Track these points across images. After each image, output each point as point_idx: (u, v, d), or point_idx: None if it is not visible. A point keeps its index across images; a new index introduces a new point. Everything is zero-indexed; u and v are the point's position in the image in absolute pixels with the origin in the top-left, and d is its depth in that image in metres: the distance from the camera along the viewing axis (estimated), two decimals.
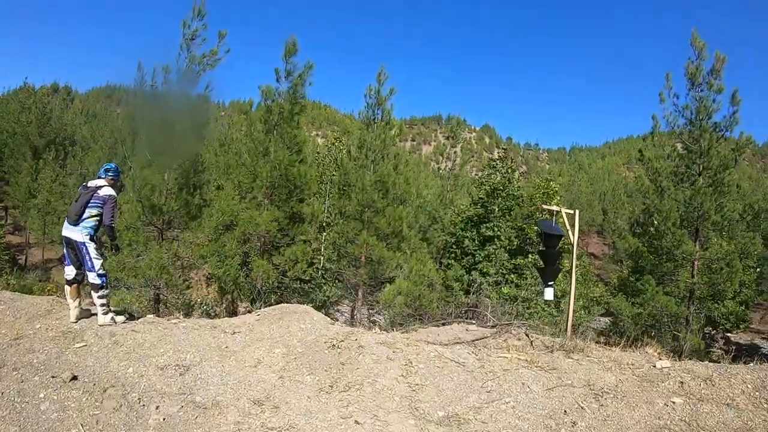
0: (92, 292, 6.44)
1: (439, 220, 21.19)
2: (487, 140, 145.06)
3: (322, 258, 17.20)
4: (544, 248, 9.06)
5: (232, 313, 20.24)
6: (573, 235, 8.84)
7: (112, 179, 6.71)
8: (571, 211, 9.14)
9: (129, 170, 13.74)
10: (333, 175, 19.02)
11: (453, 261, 19.74)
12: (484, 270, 19.09)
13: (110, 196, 6.45)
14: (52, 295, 10.84)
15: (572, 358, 5.74)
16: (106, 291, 6.49)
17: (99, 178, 6.71)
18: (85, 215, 6.37)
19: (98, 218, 6.45)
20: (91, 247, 6.37)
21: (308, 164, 16.57)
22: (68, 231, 6.41)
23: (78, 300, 6.61)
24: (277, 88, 15.79)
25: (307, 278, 16.56)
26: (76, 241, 6.36)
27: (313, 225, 16.13)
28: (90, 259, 6.36)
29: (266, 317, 7.03)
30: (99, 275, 6.39)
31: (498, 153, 21.69)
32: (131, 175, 13.13)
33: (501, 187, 19.91)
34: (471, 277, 18.45)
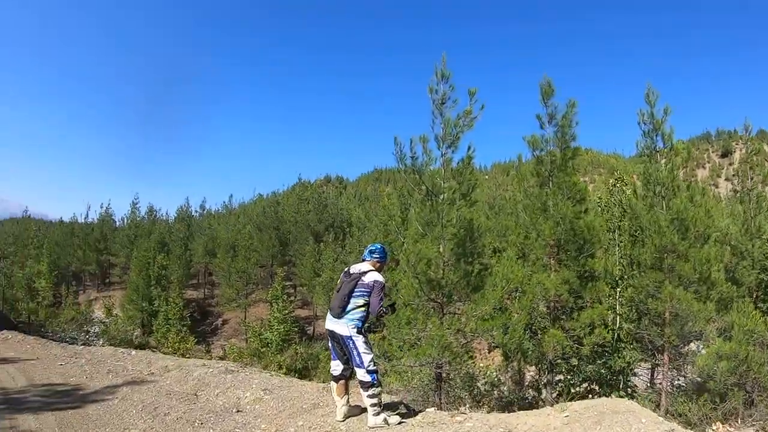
0: (361, 390, 6.30)
1: (747, 255, 18.81)
2: (766, 148, 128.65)
3: (618, 318, 16.33)
4: None
5: (518, 383, 20.28)
6: None
7: (378, 261, 6.60)
8: None
9: (402, 246, 14.62)
10: (620, 221, 18.20)
11: (748, 302, 17.28)
12: None
13: (377, 282, 6.31)
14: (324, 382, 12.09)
15: None
16: (377, 389, 6.30)
17: (363, 261, 6.65)
18: (350, 306, 6.26)
19: (365, 308, 6.30)
20: (359, 341, 6.24)
21: (593, 214, 16.06)
22: (332, 324, 6.39)
23: (346, 397, 6.63)
24: (542, 135, 16.34)
25: (605, 343, 15.75)
26: (341, 335, 6.28)
27: (607, 282, 15.47)
28: (358, 353, 6.20)
29: (578, 419, 6.16)
30: (369, 371, 6.18)
31: None
32: (404, 249, 13.98)
33: None
34: None
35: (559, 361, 16.43)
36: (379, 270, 6.53)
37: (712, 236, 16.62)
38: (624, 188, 21.83)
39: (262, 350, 28.67)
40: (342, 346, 6.35)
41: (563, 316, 16.33)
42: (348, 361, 6.42)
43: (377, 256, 6.59)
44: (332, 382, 6.71)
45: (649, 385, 19.61)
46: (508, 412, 7.56)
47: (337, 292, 6.36)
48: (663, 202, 16.53)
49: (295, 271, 46.70)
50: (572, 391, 19.41)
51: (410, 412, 7.10)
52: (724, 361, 13.12)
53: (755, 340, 14.09)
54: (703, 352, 15.59)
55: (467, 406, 15.89)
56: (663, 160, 16.44)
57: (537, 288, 14.87)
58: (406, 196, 15.49)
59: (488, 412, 11.48)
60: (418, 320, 13.97)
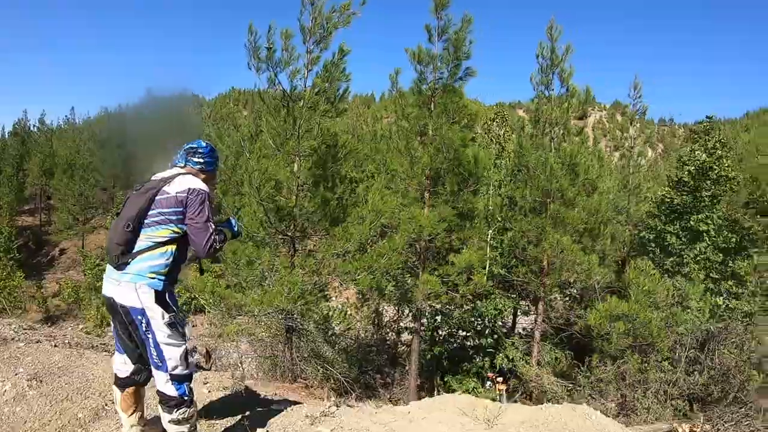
0: (161, 408, 3.48)
1: (624, 211, 17.74)
2: (619, 118, 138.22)
3: (488, 264, 14.41)
4: None
5: (377, 324, 18.10)
6: None
7: (202, 170, 3.71)
8: None
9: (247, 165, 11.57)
10: (496, 159, 16.11)
11: (641, 261, 16.31)
12: (693, 275, 15.57)
13: (193, 191, 3.39)
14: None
15: None
16: (189, 410, 3.46)
17: (175, 165, 3.70)
18: (141, 245, 3.31)
19: (173, 248, 3.39)
20: (158, 318, 3.32)
21: (479, 144, 13.74)
22: (110, 285, 3.37)
23: (135, 414, 3.67)
24: (429, 50, 13.32)
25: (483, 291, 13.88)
26: (126, 307, 3.31)
27: (490, 224, 13.41)
28: (156, 344, 3.34)
29: None
30: (174, 378, 3.39)
31: (702, 124, 17.55)
32: (248, 167, 10.80)
33: (710, 168, 16.18)
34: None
35: (425, 306, 14.43)
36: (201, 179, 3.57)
37: (600, 186, 15.14)
38: (504, 125, 20.15)
39: (99, 285, 24.85)
40: (129, 328, 3.37)
41: (441, 260, 14.29)
42: (141, 355, 3.49)
43: (200, 159, 3.66)
44: (115, 389, 3.66)
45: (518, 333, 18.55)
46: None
47: (117, 216, 3.39)
48: (552, 144, 14.71)
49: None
50: (437, 335, 17.80)
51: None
52: (621, 323, 11.52)
53: (652, 302, 12.61)
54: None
55: (332, 398, 13.36)
56: (558, 99, 14.68)
57: (410, 225, 12.42)
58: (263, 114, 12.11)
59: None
60: (262, 258, 10.89)
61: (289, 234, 11.37)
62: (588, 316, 12.50)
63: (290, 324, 11.88)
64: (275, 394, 7.71)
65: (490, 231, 15.73)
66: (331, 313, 18.30)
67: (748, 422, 5.67)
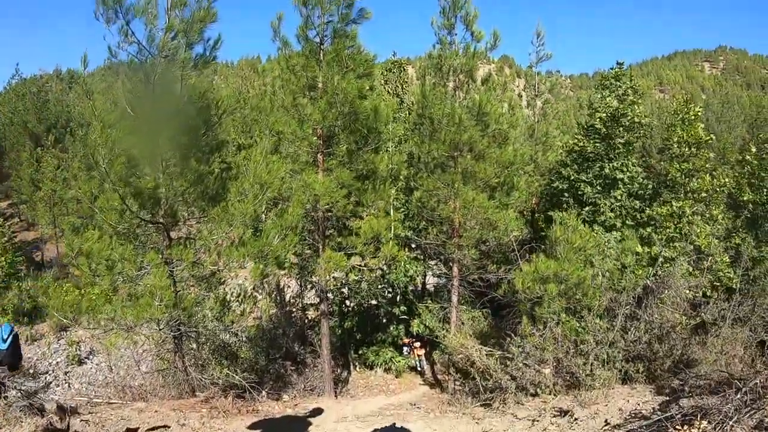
0: None
1: (531, 161, 16.74)
2: (507, 71, 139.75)
3: (393, 228, 12.88)
4: None
5: (279, 303, 16.21)
6: None
7: None
8: None
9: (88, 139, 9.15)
10: (396, 112, 14.35)
11: (562, 214, 15.46)
12: (609, 223, 15.08)
13: None
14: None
15: None
16: None
17: None
18: None
19: None
20: None
21: (377, 96, 11.94)
22: None
23: None
24: None
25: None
26: None
27: (394, 183, 11.85)
28: None
29: None
30: None
31: (613, 71, 16.57)
32: (89, 143, 8.46)
33: (622, 114, 15.35)
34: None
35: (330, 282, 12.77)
36: None
37: (512, 136, 13.87)
38: (402, 76, 18.46)
39: None
40: None
41: (342, 230, 12.56)
42: None
43: None
44: None
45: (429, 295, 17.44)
46: None
47: None
48: (458, 93, 13.22)
49: (14, 185, 36.68)
50: (346, 307, 16.29)
51: None
52: (552, 284, 10.28)
53: (584, 259, 11.48)
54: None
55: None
56: (461, 45, 13.12)
57: (304, 195, 10.57)
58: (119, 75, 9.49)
59: None
60: (126, 258, 8.56)
61: (160, 221, 9.20)
62: (513, 278, 11.25)
63: (178, 332, 9.90)
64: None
65: (393, 191, 14.20)
66: (228, 298, 16.31)
67: (751, 413, 4.66)
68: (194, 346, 12.13)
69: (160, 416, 9.10)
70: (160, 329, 9.02)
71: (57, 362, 17.75)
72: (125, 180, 8.12)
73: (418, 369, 15.86)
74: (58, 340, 18.58)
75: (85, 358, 17.42)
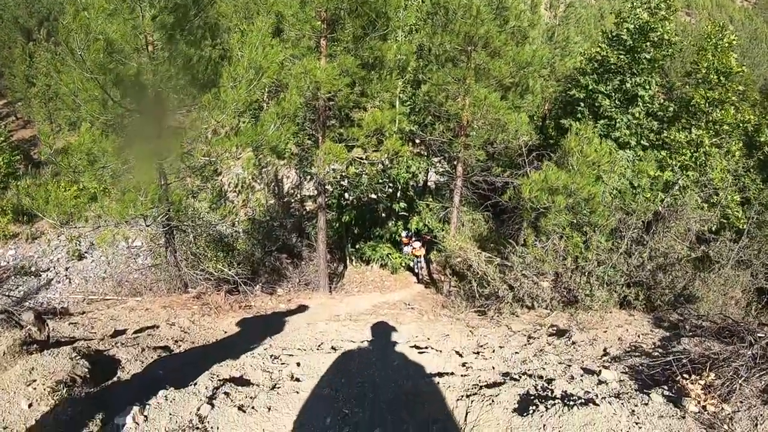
0: None
1: (548, 65, 15.64)
2: None
3: (398, 121, 12.13)
4: None
5: (277, 193, 15.77)
6: None
7: None
8: None
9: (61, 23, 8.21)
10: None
11: (576, 124, 14.59)
12: (624, 140, 14.41)
13: None
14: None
15: None
16: None
17: None
18: None
19: None
20: None
21: None
22: None
23: None
24: None
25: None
26: None
27: (402, 74, 11.02)
28: None
29: None
30: None
31: None
32: (62, 28, 7.60)
33: (651, 29, 14.04)
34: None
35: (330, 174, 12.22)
36: None
37: (531, 36, 12.75)
38: None
39: None
40: None
41: (344, 121, 11.84)
42: None
43: None
44: None
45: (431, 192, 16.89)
46: None
47: None
48: None
49: (8, 84, 35.01)
50: (345, 200, 15.82)
51: None
52: (560, 196, 9.66)
53: (596, 174, 10.79)
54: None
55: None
56: None
57: (304, 81, 9.63)
58: None
59: None
60: (107, 151, 7.82)
61: (148, 111, 8.47)
62: (520, 184, 10.64)
63: (169, 225, 9.43)
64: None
65: (400, 83, 13.25)
66: (225, 188, 15.86)
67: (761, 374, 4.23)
68: (189, 239, 11.80)
69: (150, 315, 8.85)
70: (147, 225, 8.53)
71: (58, 259, 17.60)
72: (104, 67, 7.29)
73: (416, 270, 15.57)
74: (58, 236, 18.32)
75: (85, 252, 17.22)
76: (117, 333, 7.48)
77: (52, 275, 16.73)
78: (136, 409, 4.29)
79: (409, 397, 4.68)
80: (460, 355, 6.08)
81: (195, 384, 4.79)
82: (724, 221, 13.30)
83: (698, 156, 14.06)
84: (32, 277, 16.75)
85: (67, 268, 16.97)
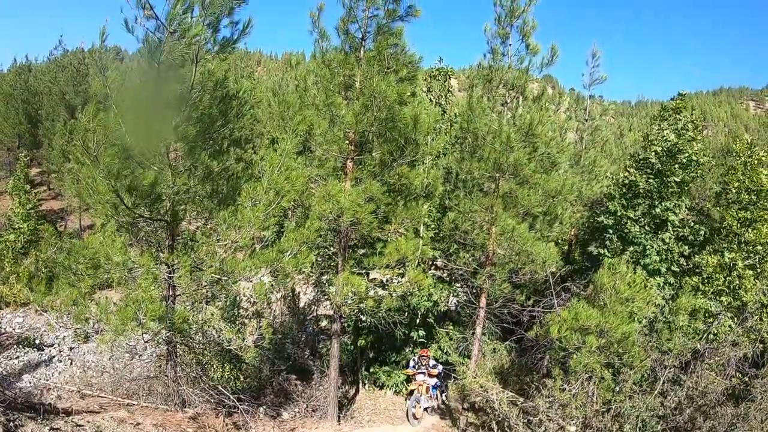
0: None
1: (576, 191, 15.02)
2: (550, 91, 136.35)
3: (421, 246, 11.32)
4: None
5: (293, 310, 14.77)
6: None
7: None
8: None
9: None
10: (437, 122, 12.69)
11: (607, 256, 13.66)
12: (654, 267, 13.33)
13: None
14: None
15: None
16: None
17: None
18: None
19: None
20: None
21: (419, 103, 10.44)
22: None
23: None
24: None
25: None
26: None
27: (428, 198, 10.51)
28: None
29: None
30: None
31: (674, 101, 14.69)
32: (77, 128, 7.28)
33: (678, 150, 13.52)
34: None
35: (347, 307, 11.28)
36: None
37: (562, 162, 12.23)
38: (447, 84, 16.75)
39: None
40: None
41: (365, 251, 11.16)
42: None
43: None
44: None
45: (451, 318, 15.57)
46: None
47: None
48: (506, 109, 11.66)
49: (46, 155, 35.75)
50: (361, 323, 14.41)
51: None
52: (591, 336, 8.67)
53: (630, 312, 9.66)
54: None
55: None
56: (514, 57, 11.56)
57: (326, 206, 9.04)
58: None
59: None
60: (111, 259, 7.29)
61: (164, 219, 7.93)
62: (548, 321, 9.66)
63: (170, 347, 8.65)
64: None
65: (425, 208, 12.62)
66: (239, 297, 15.00)
67: None
68: (195, 352, 10.93)
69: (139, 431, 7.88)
70: (145, 342, 7.72)
71: (64, 337, 16.95)
72: (119, 173, 6.79)
73: (410, 410, 12.45)
74: (69, 314, 17.73)
75: (93, 334, 16.53)
76: None
77: (55, 353, 15.99)
78: None
79: None
80: None
81: None
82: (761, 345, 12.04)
83: (731, 279, 12.93)
84: (35, 350, 15.99)
85: (71, 348, 16.25)
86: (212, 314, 10.49)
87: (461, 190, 11.76)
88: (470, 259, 12.10)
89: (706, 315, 12.22)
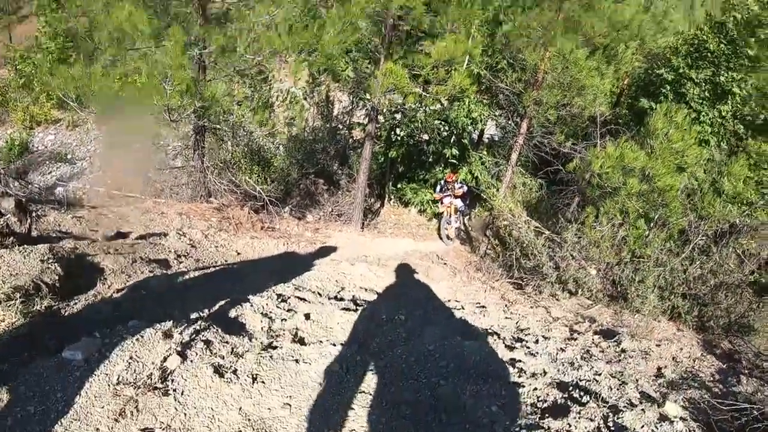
0: None
1: (638, 38, 13.61)
2: None
3: (467, 60, 10.37)
4: None
5: (326, 116, 14.34)
6: None
7: None
8: None
9: None
10: None
11: (652, 104, 12.69)
12: (704, 137, 12.40)
13: None
14: None
15: None
16: None
17: None
18: None
19: None
20: None
21: None
22: None
23: None
24: None
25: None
26: None
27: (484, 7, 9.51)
28: None
29: None
30: None
31: None
32: None
33: (759, 23, 11.90)
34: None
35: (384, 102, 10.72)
36: None
37: None
38: None
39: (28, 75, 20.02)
40: None
41: (406, 41, 10.29)
42: None
43: None
44: None
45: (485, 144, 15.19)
46: None
47: None
48: None
49: None
50: (395, 134, 14.06)
51: None
52: (634, 179, 8.08)
53: (678, 164, 8.87)
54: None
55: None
56: None
57: None
58: None
59: None
60: (138, 29, 6.55)
61: None
62: (589, 156, 9.03)
63: (200, 123, 8.22)
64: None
65: (481, 12, 11.41)
66: (274, 100, 14.48)
67: None
68: (225, 146, 10.63)
69: (162, 220, 7.74)
70: (171, 120, 7.28)
71: (95, 149, 17.03)
72: None
73: (443, 231, 12.69)
74: (100, 126, 17.49)
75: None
76: (118, 235, 6.41)
77: (86, 165, 16.13)
78: (91, 342, 3.18)
79: (447, 404, 3.38)
80: (504, 343, 4.76)
81: (171, 320, 3.60)
82: None
83: None
84: (67, 164, 16.06)
85: (101, 161, 16.46)
86: (245, 96, 9.96)
87: (520, 4, 10.54)
88: (517, 81, 11.23)
89: (759, 186, 11.46)
